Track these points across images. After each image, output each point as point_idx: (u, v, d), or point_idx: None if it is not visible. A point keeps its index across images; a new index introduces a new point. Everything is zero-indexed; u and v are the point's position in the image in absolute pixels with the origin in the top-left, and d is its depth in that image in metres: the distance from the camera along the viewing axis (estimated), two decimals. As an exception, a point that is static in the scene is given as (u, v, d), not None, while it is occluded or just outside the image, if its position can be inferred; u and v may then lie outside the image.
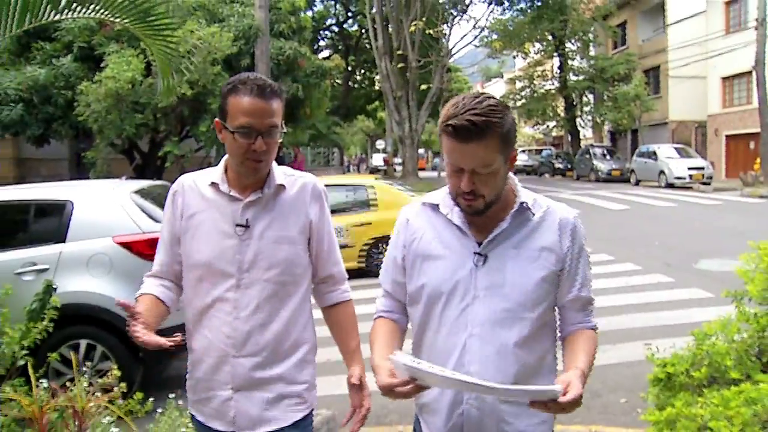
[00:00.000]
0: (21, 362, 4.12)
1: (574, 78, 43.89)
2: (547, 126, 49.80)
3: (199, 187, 2.52)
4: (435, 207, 2.21)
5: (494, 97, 2.03)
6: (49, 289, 4.37)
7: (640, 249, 12.50)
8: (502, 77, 65.35)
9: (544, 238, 2.11)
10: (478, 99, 1.99)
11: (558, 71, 46.10)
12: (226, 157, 2.51)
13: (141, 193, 6.36)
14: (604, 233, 15.18)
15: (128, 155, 18.45)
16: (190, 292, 2.52)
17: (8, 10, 3.63)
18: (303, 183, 2.58)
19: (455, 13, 37.63)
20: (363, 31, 41.26)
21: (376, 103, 49.99)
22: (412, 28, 29.73)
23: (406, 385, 1.89)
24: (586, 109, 44.64)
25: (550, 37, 43.84)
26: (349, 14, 45.02)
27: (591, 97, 44.47)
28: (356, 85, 49.47)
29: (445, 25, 36.25)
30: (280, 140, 2.43)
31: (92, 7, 4.42)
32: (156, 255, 2.61)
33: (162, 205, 6.91)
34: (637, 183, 31.47)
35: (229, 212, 2.45)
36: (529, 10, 40.93)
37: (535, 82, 47.22)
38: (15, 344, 4.13)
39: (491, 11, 40.20)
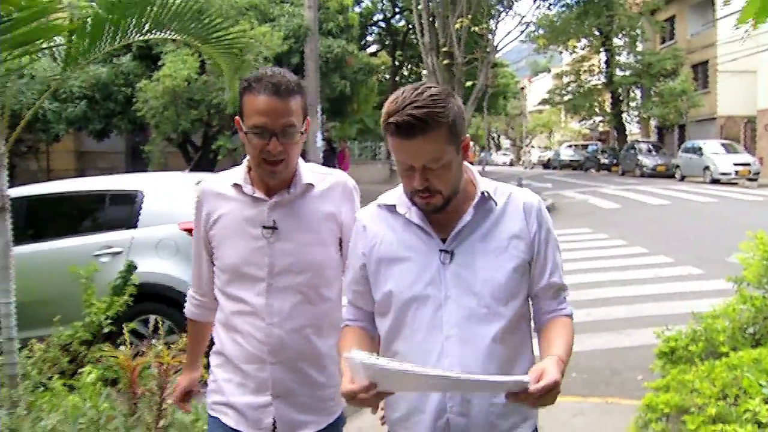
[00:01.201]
0: (106, 329, 4.81)
1: (620, 73, 43.76)
2: (594, 121, 49.72)
3: (222, 189, 2.44)
4: (392, 208, 2.11)
5: (435, 86, 1.95)
6: (131, 267, 5.06)
7: (675, 243, 12.83)
8: (549, 72, 65.13)
9: (510, 226, 2.03)
10: (418, 91, 1.90)
11: (604, 66, 45.99)
12: (248, 157, 2.42)
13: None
14: (641, 227, 15.49)
15: (182, 149, 19.27)
16: (220, 296, 2.47)
17: (103, 33, 4.26)
18: (333, 181, 2.48)
19: (501, 9, 37.85)
20: (410, 26, 41.57)
21: (424, 97, 50.27)
22: (458, 25, 30.05)
23: (367, 391, 1.79)
24: (633, 104, 44.47)
25: (596, 33, 43.75)
26: (396, 10, 45.38)
27: (638, 92, 44.29)
28: (403, 80, 49.87)
29: (492, 20, 36.53)
30: (299, 140, 2.33)
31: (165, 28, 5.05)
32: (193, 265, 2.61)
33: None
34: (682, 179, 31.39)
35: (254, 214, 2.37)
36: (575, 6, 40.91)
37: (582, 77, 47.18)
38: (101, 314, 4.82)
39: (537, 7, 40.35)
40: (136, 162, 19.78)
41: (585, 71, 47.12)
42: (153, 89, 15.61)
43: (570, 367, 5.74)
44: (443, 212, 2.00)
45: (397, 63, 47.09)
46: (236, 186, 2.40)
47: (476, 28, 25.12)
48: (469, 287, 1.99)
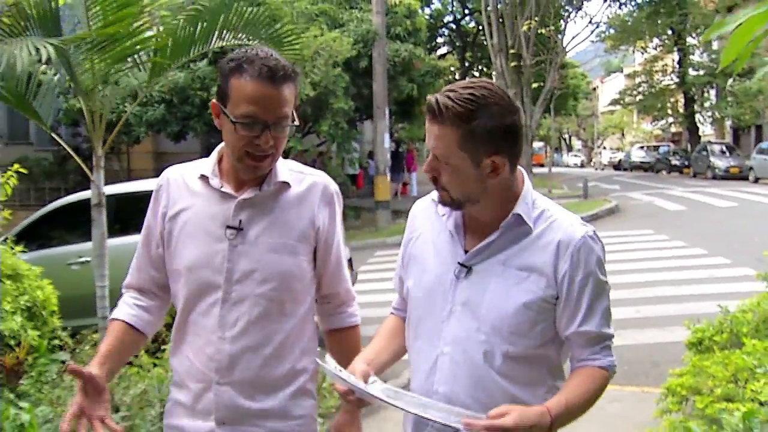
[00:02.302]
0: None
1: (693, 73, 43.12)
2: (666, 122, 49.06)
3: (187, 180, 2.17)
4: (437, 206, 2.04)
5: (489, 89, 1.81)
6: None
7: (736, 245, 12.88)
8: (621, 72, 64.40)
9: (535, 258, 1.87)
10: (466, 85, 1.82)
11: (677, 66, 45.36)
12: (221, 145, 2.17)
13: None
14: (703, 229, 15.51)
15: (255, 150, 20.02)
16: (177, 305, 2.19)
17: (185, 45, 4.84)
18: (312, 182, 2.21)
19: (570, 10, 37.76)
20: (480, 28, 41.75)
21: (492, 98, 50.34)
22: (525, 27, 30.23)
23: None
24: (707, 104, 43.75)
25: (669, 32, 43.21)
26: (466, 11, 45.64)
27: (712, 92, 43.55)
28: (473, 82, 49.96)
29: (561, 21, 36.52)
30: (290, 135, 2.11)
31: (240, 34, 5.61)
32: (132, 261, 2.28)
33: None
34: (756, 181, 30.67)
35: (218, 211, 2.10)
36: (646, 5, 40.50)
37: (655, 77, 46.63)
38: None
39: (608, 6, 40.08)
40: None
41: (657, 71, 46.55)
42: (227, 93, 16.38)
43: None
44: (480, 224, 1.93)
45: (467, 64, 47.30)
46: (203, 178, 2.13)
47: (543, 30, 25.18)
48: (474, 309, 1.88)
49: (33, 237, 7.46)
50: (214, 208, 2.11)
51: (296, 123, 2.08)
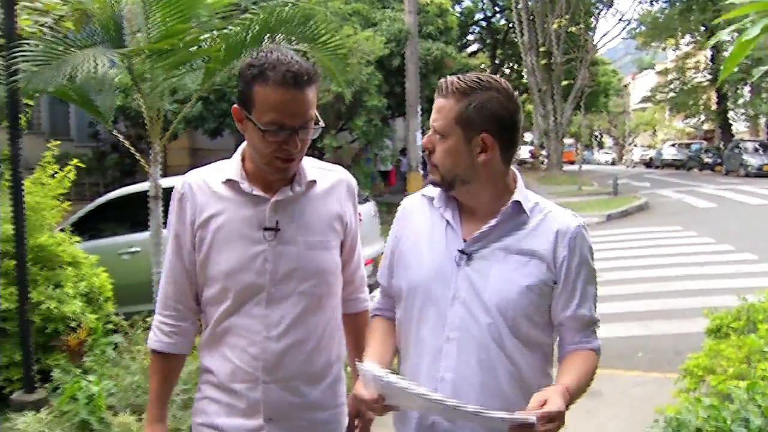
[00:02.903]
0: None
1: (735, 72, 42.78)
2: (698, 119, 48.81)
3: (211, 185, 2.16)
4: (431, 200, 2.11)
5: (495, 79, 1.96)
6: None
7: (764, 242, 13.05)
8: (653, 68, 64.03)
9: (536, 244, 1.97)
10: (476, 72, 1.98)
11: (710, 63, 45.09)
12: (242, 147, 2.19)
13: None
14: (733, 226, 15.64)
15: (291, 147, 20.45)
16: (210, 309, 2.19)
17: (237, 46, 5.21)
18: (337, 178, 2.28)
19: (601, 7, 37.82)
20: (510, 25, 41.91)
21: (524, 96, 50.58)
22: (556, 25, 30.37)
23: (375, 403, 1.85)
24: (740, 101, 43.46)
25: (701, 28, 42.99)
26: (497, 9, 45.80)
27: (746, 89, 43.25)
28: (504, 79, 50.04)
29: (592, 18, 36.56)
30: (315, 135, 2.11)
31: (289, 38, 5.97)
32: (163, 280, 2.25)
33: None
34: (789, 178, 30.65)
35: (252, 214, 2.12)
36: (678, 1, 40.35)
37: (687, 74, 46.42)
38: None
39: (639, 3, 40.01)
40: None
41: (690, 68, 46.32)
42: (263, 90, 16.82)
43: (638, 347, 6.48)
44: (477, 214, 2.02)
45: (497, 62, 47.45)
46: (230, 182, 2.14)
47: (573, 28, 25.33)
48: (478, 294, 1.95)
49: (84, 228, 7.86)
50: (247, 211, 2.12)
51: (321, 124, 2.10)
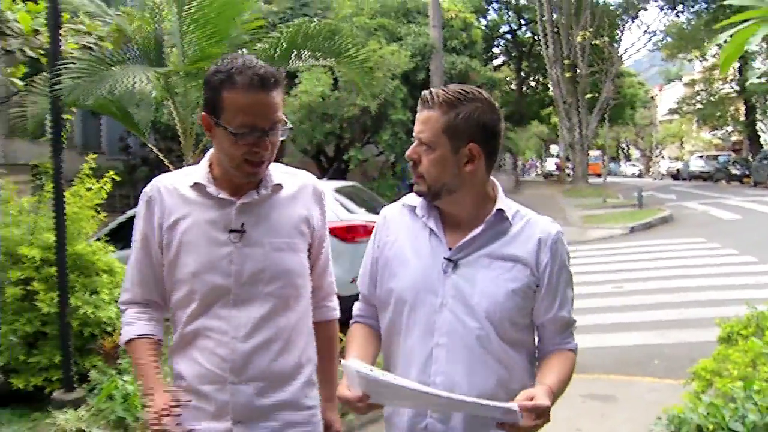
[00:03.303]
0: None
1: (755, 80, 42.61)
2: (726, 131, 48.55)
3: (179, 189, 2.20)
4: (413, 209, 2.14)
5: (478, 91, 2.01)
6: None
7: (786, 253, 13.11)
8: (681, 80, 63.75)
9: (519, 250, 2.04)
10: (460, 84, 2.04)
11: (738, 74, 44.88)
12: (209, 153, 2.23)
13: (339, 190, 8.23)
14: (757, 238, 15.63)
15: (316, 159, 20.75)
16: (178, 311, 2.21)
17: (267, 62, 5.51)
18: (303, 182, 2.31)
19: (626, 19, 37.82)
20: (536, 38, 42.05)
21: (550, 108, 50.54)
22: (580, 38, 30.49)
23: (359, 402, 1.84)
24: (769, 113, 43.23)
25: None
26: (522, 21, 45.94)
27: (775, 100, 43.02)
28: (529, 91, 50.23)
29: (617, 30, 36.61)
30: (283, 137, 2.13)
31: (315, 54, 6.24)
32: (129, 275, 2.28)
33: (356, 201, 8.68)
34: (818, 190, 30.37)
35: (218, 217, 2.15)
36: (704, 12, 40.24)
37: (715, 85, 46.22)
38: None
39: (664, 14, 39.97)
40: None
41: (717, 79, 46.12)
42: (291, 104, 17.14)
43: (654, 355, 6.66)
44: (460, 222, 2.07)
45: (523, 74, 47.58)
46: (197, 186, 2.18)
47: (598, 41, 25.45)
48: (466, 300, 2.00)
49: (118, 238, 8.16)
50: (213, 214, 2.16)
51: (289, 126, 2.15)
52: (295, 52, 5.76)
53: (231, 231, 2.14)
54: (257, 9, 6.19)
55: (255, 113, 2.01)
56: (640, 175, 67.33)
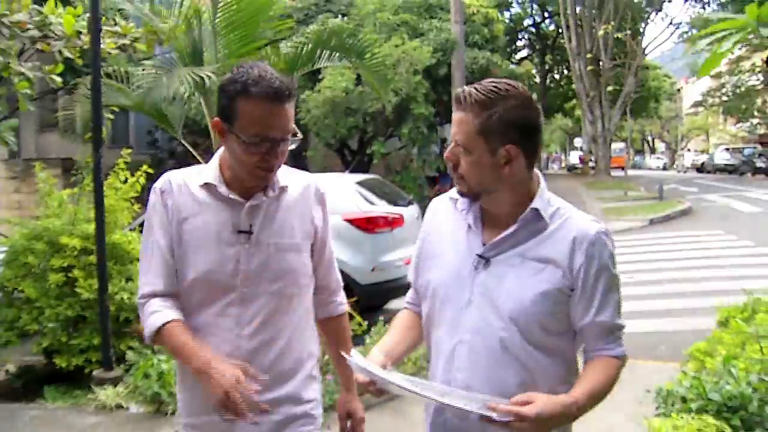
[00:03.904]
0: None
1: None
2: (751, 123, 48.25)
3: (190, 187, 2.24)
4: (456, 202, 2.13)
5: (512, 85, 1.92)
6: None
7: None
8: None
9: (552, 250, 1.96)
10: (493, 80, 1.94)
11: (766, 65, 44.52)
12: (219, 153, 2.29)
13: (361, 183, 8.62)
14: (775, 231, 15.83)
15: (340, 153, 21.14)
16: (185, 307, 2.25)
17: (293, 63, 5.88)
18: (306, 184, 2.37)
19: (650, 11, 37.71)
20: (559, 30, 42.04)
21: (573, 101, 50.41)
22: (601, 32, 30.55)
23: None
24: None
25: (755, 31, 42.45)
26: (546, 14, 45.92)
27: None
28: (553, 84, 50.22)
29: (642, 23, 36.56)
30: (293, 147, 2.19)
31: (334, 54, 6.61)
32: (148, 268, 2.27)
33: (377, 193, 9.01)
34: (843, 183, 30.21)
35: (227, 217, 2.21)
36: (731, 4, 39.99)
37: (743, 77, 45.94)
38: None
39: (690, 6, 39.80)
40: (298, 164, 21.88)
41: (746, 71, 45.82)
42: (315, 99, 17.56)
43: (661, 341, 6.98)
44: (498, 219, 2.01)
45: (546, 67, 47.60)
46: (207, 186, 2.23)
47: (620, 35, 25.55)
48: (492, 299, 1.96)
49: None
50: (222, 214, 2.20)
51: (299, 136, 2.19)
52: (318, 52, 6.13)
53: (239, 231, 2.20)
54: (283, 7, 6.57)
55: (268, 124, 2.06)
56: (664, 168, 66.88)
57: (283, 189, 2.27)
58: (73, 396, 5.88)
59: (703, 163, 52.75)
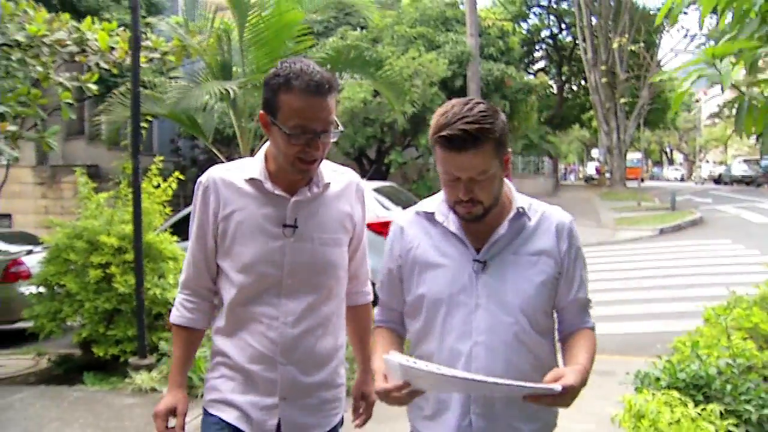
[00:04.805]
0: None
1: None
2: (768, 135, 48.17)
3: (235, 182, 2.30)
4: (430, 216, 2.17)
5: (484, 102, 1.98)
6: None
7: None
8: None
9: (541, 243, 2.10)
10: (468, 106, 1.95)
11: (782, 78, 44.49)
12: (264, 148, 2.36)
13: (378, 190, 9.14)
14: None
15: (358, 162, 21.66)
16: (228, 296, 2.32)
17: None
18: (348, 180, 2.44)
19: (665, 23, 37.90)
20: (576, 42, 42.29)
21: (590, 112, 50.50)
22: (615, 44, 30.87)
23: (401, 390, 1.87)
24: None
25: (771, 44, 42.52)
26: (563, 25, 46.14)
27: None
28: (570, 95, 50.34)
29: (657, 35, 36.75)
30: (335, 139, 2.23)
31: (353, 71, 7.14)
32: (186, 263, 2.41)
33: (392, 200, 9.56)
34: None
35: (273, 211, 2.27)
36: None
37: (761, 87, 45.88)
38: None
39: (707, 18, 39.88)
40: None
41: (762, 82, 45.70)
42: (334, 110, 18.09)
43: (657, 340, 7.51)
44: (479, 223, 2.06)
45: (563, 78, 47.83)
46: (253, 181, 2.29)
47: (634, 47, 25.91)
48: (499, 297, 2.05)
49: (178, 231, 9.09)
50: (268, 208, 2.26)
51: (341, 128, 2.24)
52: (339, 69, 6.67)
53: (285, 226, 2.26)
54: (303, 19, 7.06)
55: (309, 116, 2.10)
56: (682, 180, 66.74)
57: (327, 185, 2.34)
58: (110, 381, 6.43)
59: (720, 175, 52.55)
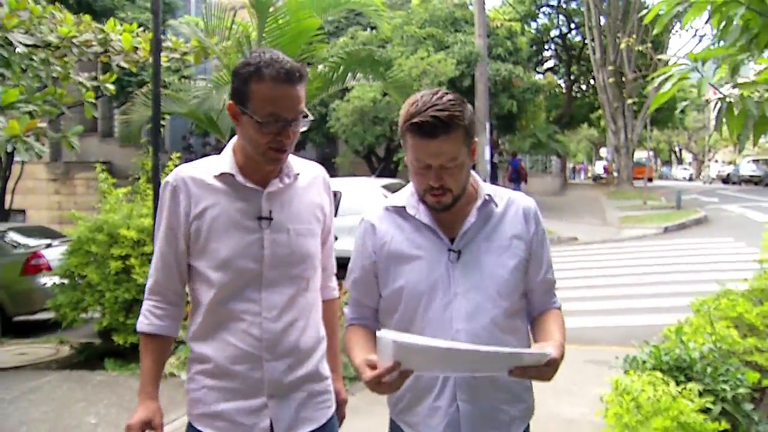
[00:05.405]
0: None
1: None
2: (778, 135, 48.12)
3: (205, 179, 2.25)
4: (401, 209, 2.19)
5: (451, 92, 2.02)
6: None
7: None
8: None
9: (511, 227, 2.15)
10: (438, 95, 1.99)
11: (792, 77, 44.42)
12: (231, 143, 2.35)
13: (386, 186, 9.50)
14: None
15: (367, 160, 22.00)
16: (205, 296, 2.26)
17: (327, 81, 6.73)
18: (315, 173, 2.45)
19: (674, 23, 37.97)
20: (585, 41, 42.38)
21: (599, 111, 50.51)
22: (623, 45, 31.03)
23: (392, 371, 1.81)
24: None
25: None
26: (572, 25, 46.21)
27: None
28: (579, 94, 50.39)
29: (666, 34, 36.84)
30: (305, 128, 2.24)
31: (363, 73, 7.46)
32: (153, 267, 2.33)
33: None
34: None
35: (246, 205, 2.25)
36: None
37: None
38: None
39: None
40: (326, 170, 22.81)
41: (743, 85, 45.50)
42: (344, 109, 18.45)
43: (654, 332, 7.79)
44: (449, 213, 2.11)
45: (572, 77, 47.92)
46: (223, 176, 2.26)
47: (641, 47, 26.08)
48: (476, 284, 2.09)
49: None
50: (241, 203, 2.24)
51: (310, 117, 2.24)
52: (350, 73, 6.97)
53: (260, 218, 2.25)
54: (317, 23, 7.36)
55: (280, 104, 2.11)
56: (690, 179, 66.63)
57: (297, 176, 2.35)
58: (129, 368, 6.77)
59: (728, 174, 52.36)
